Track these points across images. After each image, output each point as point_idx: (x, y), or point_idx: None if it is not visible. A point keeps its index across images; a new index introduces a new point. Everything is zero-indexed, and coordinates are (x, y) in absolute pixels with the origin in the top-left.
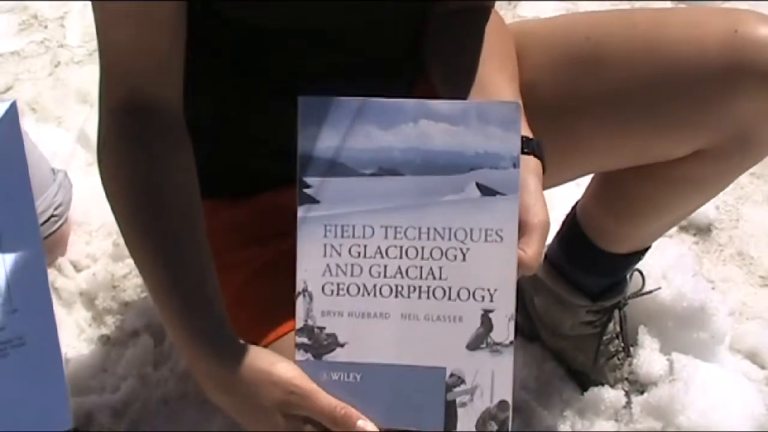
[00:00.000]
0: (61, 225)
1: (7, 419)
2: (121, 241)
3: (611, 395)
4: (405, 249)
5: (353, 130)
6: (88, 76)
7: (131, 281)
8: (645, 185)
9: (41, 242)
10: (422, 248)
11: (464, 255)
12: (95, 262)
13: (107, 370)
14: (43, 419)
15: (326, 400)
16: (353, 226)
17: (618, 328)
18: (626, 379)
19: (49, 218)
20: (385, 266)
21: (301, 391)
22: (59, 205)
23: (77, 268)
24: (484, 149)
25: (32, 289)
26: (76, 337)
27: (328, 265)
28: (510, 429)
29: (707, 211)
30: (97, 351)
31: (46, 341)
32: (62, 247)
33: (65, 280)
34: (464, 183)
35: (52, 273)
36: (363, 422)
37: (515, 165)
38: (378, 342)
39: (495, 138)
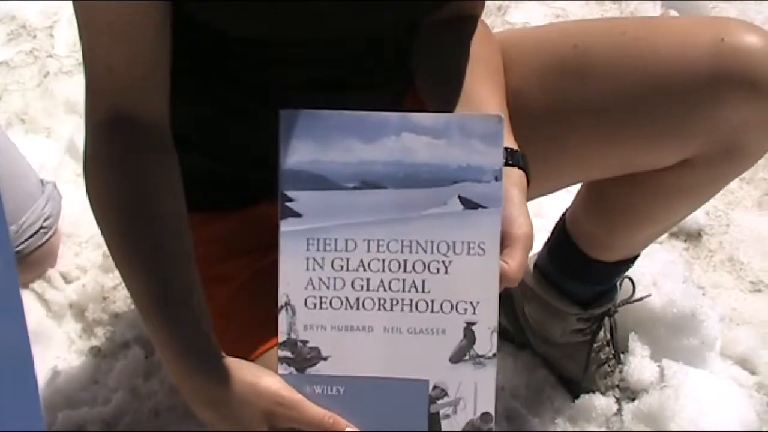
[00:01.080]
0: (50, 237)
1: None
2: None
3: (602, 402)
4: (387, 262)
5: (335, 143)
6: (77, 87)
7: (121, 292)
8: (633, 194)
9: (13, 259)
10: (405, 261)
11: (447, 268)
12: (85, 273)
13: (98, 381)
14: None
15: (314, 409)
16: (336, 240)
17: (608, 336)
18: (617, 386)
19: (38, 230)
20: (368, 279)
21: (288, 402)
22: (48, 217)
23: (67, 280)
24: (467, 162)
25: (4, 308)
26: (67, 348)
27: (310, 279)
28: None
29: (697, 217)
30: (88, 363)
31: (17, 346)
32: (52, 258)
33: (55, 291)
34: (447, 196)
35: (41, 285)
36: (351, 430)
37: (497, 178)
38: (361, 355)
39: (477, 151)
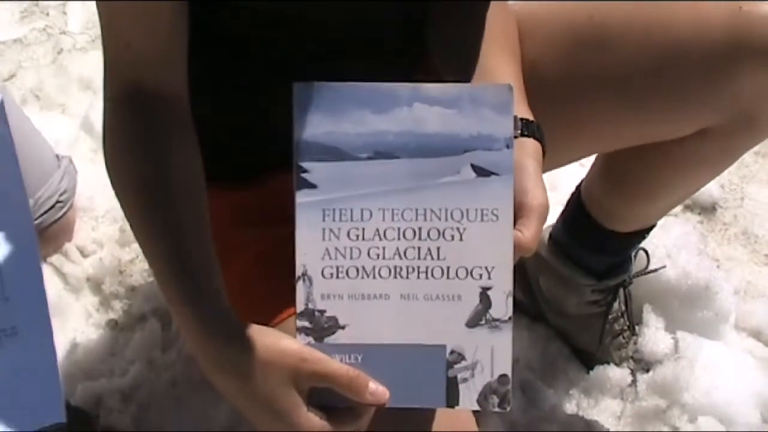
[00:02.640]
0: (66, 211)
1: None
2: (127, 226)
3: (616, 374)
4: (403, 231)
5: (348, 114)
6: (91, 63)
7: (138, 266)
8: (648, 165)
9: (34, 232)
10: (419, 229)
11: (461, 235)
12: (102, 247)
13: (115, 354)
14: (35, 411)
15: (338, 364)
16: (351, 210)
17: (623, 307)
18: (631, 357)
19: (54, 204)
20: (384, 248)
21: (312, 357)
22: (64, 192)
23: (84, 254)
24: (478, 131)
25: (25, 279)
26: (84, 321)
27: (327, 249)
28: (511, 402)
29: (712, 189)
30: (105, 335)
31: (40, 332)
32: (68, 233)
33: (72, 265)
34: (459, 164)
35: (59, 259)
36: (374, 385)
37: (509, 146)
38: (378, 323)
39: (488, 120)
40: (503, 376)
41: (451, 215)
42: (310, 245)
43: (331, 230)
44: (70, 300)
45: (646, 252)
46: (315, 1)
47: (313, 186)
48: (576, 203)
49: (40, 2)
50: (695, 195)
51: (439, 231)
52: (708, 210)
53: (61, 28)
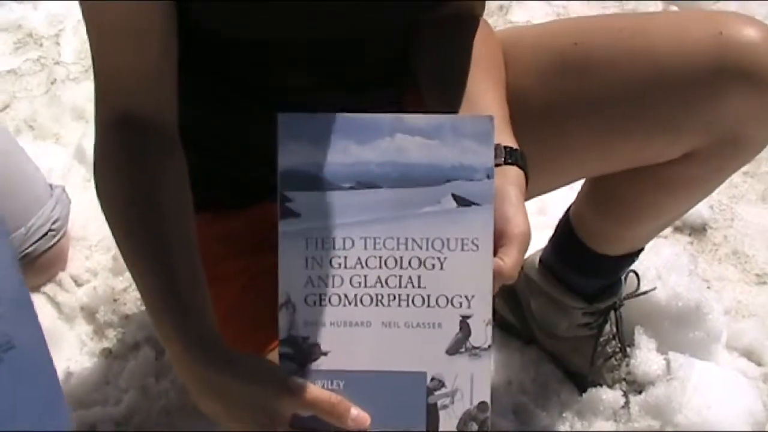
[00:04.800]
0: (59, 239)
1: (7, 424)
2: (120, 255)
3: (609, 396)
4: (384, 259)
5: (331, 145)
6: (84, 93)
7: (131, 294)
8: (637, 188)
9: (11, 246)
10: (401, 258)
11: (442, 264)
12: (95, 276)
13: (109, 382)
14: (41, 422)
15: (320, 390)
16: (333, 239)
17: (614, 329)
18: (624, 379)
19: (46, 233)
20: (366, 276)
21: (295, 384)
22: (56, 220)
23: (78, 283)
24: (459, 162)
25: (11, 293)
26: (78, 350)
27: (309, 277)
28: (490, 429)
29: (701, 210)
30: (99, 364)
31: (34, 343)
32: (62, 261)
33: (66, 294)
34: (440, 194)
35: (52, 288)
36: (356, 410)
37: (489, 176)
38: (360, 350)
39: (470, 151)
40: (482, 403)
41: (432, 244)
42: (293, 273)
43: (314, 258)
44: (64, 329)
45: (637, 274)
46: (295, 30)
47: (296, 215)
48: (565, 227)
49: (33, 33)
50: (685, 216)
51: (420, 260)
52: (698, 231)
53: (54, 59)
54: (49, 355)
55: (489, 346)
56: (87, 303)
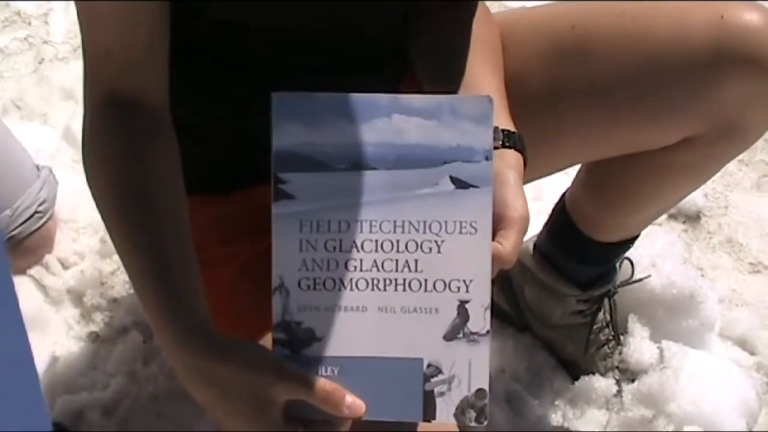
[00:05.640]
0: (45, 222)
1: None
2: (108, 237)
3: (602, 384)
4: (380, 243)
5: (327, 125)
6: (73, 73)
7: (119, 278)
8: (634, 173)
9: (3, 244)
10: (397, 241)
11: (439, 247)
12: (83, 259)
13: (96, 367)
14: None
15: (314, 377)
16: (329, 221)
17: (608, 317)
18: (617, 367)
19: (33, 215)
20: (361, 260)
21: (289, 370)
22: (43, 202)
23: (65, 266)
24: (457, 143)
25: None
26: (65, 334)
27: (304, 260)
28: (488, 417)
29: (696, 198)
30: (86, 348)
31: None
32: (48, 244)
33: (53, 277)
34: (438, 176)
35: (39, 271)
36: (351, 398)
37: (488, 158)
38: (355, 335)
39: (468, 132)
40: (480, 390)
41: (430, 227)
42: (287, 256)
43: (308, 241)
44: (50, 312)
45: (631, 261)
46: (292, 14)
47: (291, 197)
48: (561, 213)
49: (21, 11)
50: (680, 204)
51: (417, 243)
52: (692, 219)
53: (42, 38)
54: (31, 359)
55: (487, 332)
56: (74, 286)
